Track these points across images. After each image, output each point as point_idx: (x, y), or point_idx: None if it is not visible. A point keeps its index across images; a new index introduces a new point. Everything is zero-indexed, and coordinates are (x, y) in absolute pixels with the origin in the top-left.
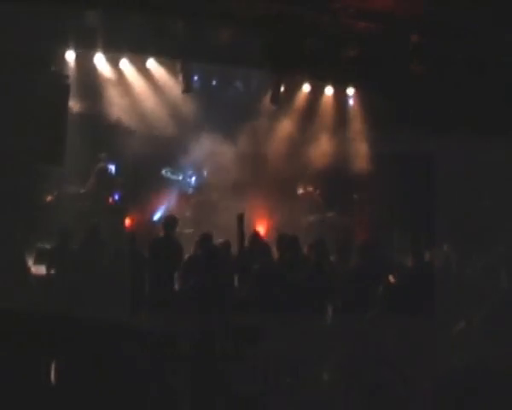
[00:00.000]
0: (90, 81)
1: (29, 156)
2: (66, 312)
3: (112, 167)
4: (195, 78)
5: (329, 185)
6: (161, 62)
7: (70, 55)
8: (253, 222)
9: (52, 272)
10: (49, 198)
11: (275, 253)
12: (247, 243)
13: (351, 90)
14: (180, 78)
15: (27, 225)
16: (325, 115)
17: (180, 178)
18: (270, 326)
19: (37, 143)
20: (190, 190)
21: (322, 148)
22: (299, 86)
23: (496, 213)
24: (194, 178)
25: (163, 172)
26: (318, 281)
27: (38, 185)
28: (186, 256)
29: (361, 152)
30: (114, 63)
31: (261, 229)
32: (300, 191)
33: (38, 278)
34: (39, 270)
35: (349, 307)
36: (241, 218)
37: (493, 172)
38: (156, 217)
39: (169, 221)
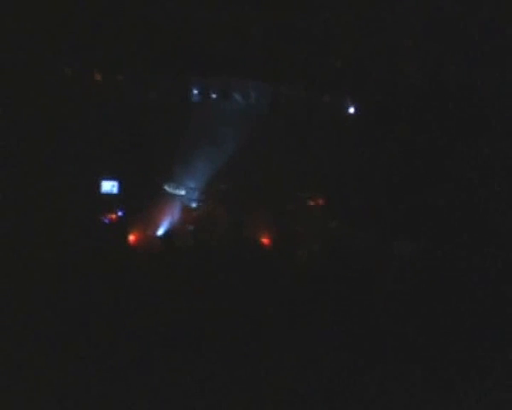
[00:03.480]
0: (90, 98)
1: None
2: None
3: (115, 184)
4: (195, 91)
5: (330, 194)
6: (162, 78)
7: (68, 72)
8: (255, 233)
9: None
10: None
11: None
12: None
13: (350, 98)
14: (180, 92)
15: None
16: (325, 124)
17: (183, 192)
18: None
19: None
20: (193, 204)
21: (322, 156)
22: (297, 96)
23: None
24: (196, 193)
25: (165, 187)
26: None
27: None
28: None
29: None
30: (114, 79)
31: (265, 239)
32: (302, 201)
33: None
34: None
35: None
36: (240, 226)
37: None
38: (160, 232)
39: (169, 236)
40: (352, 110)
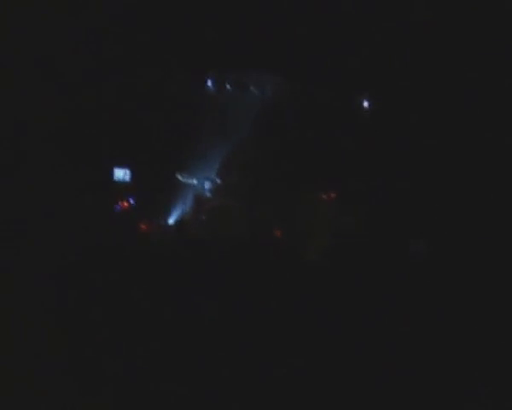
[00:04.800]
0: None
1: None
2: None
3: (127, 172)
4: (210, 82)
5: (343, 188)
6: (176, 68)
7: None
8: (267, 226)
9: None
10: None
11: None
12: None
13: (365, 93)
14: (196, 83)
15: None
16: (338, 118)
17: (195, 182)
18: None
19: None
20: (205, 194)
21: (335, 151)
22: (312, 90)
23: None
24: (208, 182)
25: (178, 176)
26: None
27: None
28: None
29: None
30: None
31: (276, 232)
32: (316, 194)
33: None
34: None
35: None
36: (252, 218)
37: None
38: (171, 221)
39: (181, 225)
40: (366, 104)
